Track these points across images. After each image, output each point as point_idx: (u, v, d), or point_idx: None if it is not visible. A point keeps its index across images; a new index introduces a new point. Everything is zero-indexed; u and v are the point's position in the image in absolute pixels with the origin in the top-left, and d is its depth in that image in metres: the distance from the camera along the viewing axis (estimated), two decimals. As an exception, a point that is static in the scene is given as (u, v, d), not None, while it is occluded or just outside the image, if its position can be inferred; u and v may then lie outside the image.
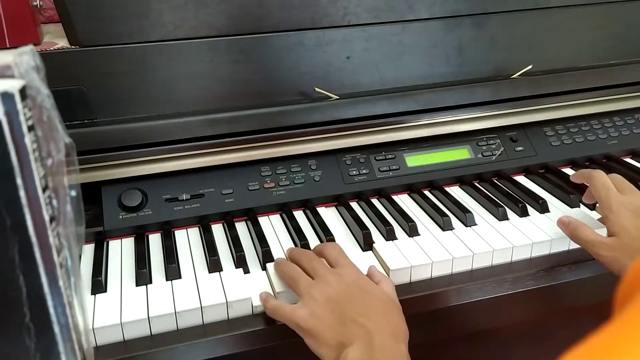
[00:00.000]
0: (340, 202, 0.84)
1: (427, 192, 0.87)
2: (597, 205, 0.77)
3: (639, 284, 0.26)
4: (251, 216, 0.80)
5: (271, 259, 0.70)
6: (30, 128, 0.32)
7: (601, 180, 0.71)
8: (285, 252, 0.73)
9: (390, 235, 0.75)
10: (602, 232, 0.68)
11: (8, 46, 0.80)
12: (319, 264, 0.63)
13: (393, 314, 0.58)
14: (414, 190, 0.87)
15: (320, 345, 0.56)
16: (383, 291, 0.61)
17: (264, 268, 0.70)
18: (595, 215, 0.79)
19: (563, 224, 0.71)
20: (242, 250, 0.71)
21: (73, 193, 0.36)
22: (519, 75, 0.94)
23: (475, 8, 0.93)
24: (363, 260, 0.70)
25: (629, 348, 0.21)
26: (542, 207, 0.81)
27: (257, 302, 0.64)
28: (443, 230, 0.77)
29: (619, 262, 0.62)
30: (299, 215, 0.82)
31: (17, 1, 0.79)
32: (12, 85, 0.30)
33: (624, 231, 0.64)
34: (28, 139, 0.31)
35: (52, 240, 0.34)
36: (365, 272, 0.66)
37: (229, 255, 0.73)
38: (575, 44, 1.01)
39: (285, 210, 0.82)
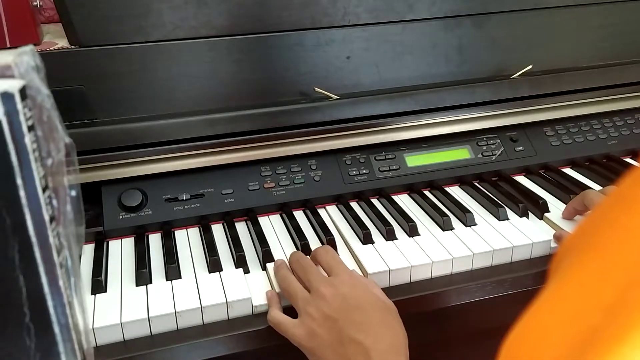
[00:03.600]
0: (340, 202, 0.84)
1: (427, 192, 0.87)
2: None
3: (564, 255, 0.31)
4: (251, 216, 0.80)
5: (271, 259, 0.70)
6: (30, 128, 0.32)
7: (594, 192, 0.75)
8: (286, 253, 0.73)
9: (390, 235, 0.75)
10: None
11: (8, 46, 0.80)
12: (313, 275, 0.62)
13: (391, 322, 0.58)
14: (414, 190, 0.87)
15: None
16: (378, 298, 0.60)
17: (264, 268, 0.70)
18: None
19: (557, 238, 0.74)
20: (242, 250, 0.71)
21: (73, 193, 0.36)
22: (519, 75, 0.94)
23: (475, 8, 0.93)
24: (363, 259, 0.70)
25: (556, 309, 0.28)
26: (542, 207, 0.81)
27: (257, 302, 0.64)
28: (443, 230, 0.77)
29: None
30: (299, 215, 0.82)
31: (17, 1, 0.79)
32: (12, 85, 0.30)
33: None
34: (28, 139, 0.31)
35: (52, 240, 0.34)
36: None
37: (229, 255, 0.73)
38: (575, 44, 1.01)
39: (285, 210, 0.82)
